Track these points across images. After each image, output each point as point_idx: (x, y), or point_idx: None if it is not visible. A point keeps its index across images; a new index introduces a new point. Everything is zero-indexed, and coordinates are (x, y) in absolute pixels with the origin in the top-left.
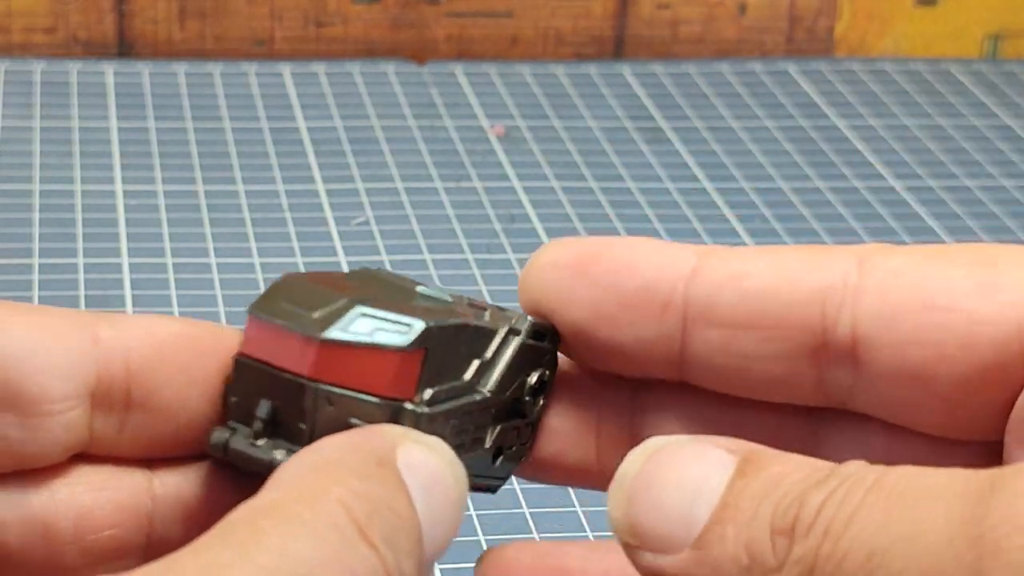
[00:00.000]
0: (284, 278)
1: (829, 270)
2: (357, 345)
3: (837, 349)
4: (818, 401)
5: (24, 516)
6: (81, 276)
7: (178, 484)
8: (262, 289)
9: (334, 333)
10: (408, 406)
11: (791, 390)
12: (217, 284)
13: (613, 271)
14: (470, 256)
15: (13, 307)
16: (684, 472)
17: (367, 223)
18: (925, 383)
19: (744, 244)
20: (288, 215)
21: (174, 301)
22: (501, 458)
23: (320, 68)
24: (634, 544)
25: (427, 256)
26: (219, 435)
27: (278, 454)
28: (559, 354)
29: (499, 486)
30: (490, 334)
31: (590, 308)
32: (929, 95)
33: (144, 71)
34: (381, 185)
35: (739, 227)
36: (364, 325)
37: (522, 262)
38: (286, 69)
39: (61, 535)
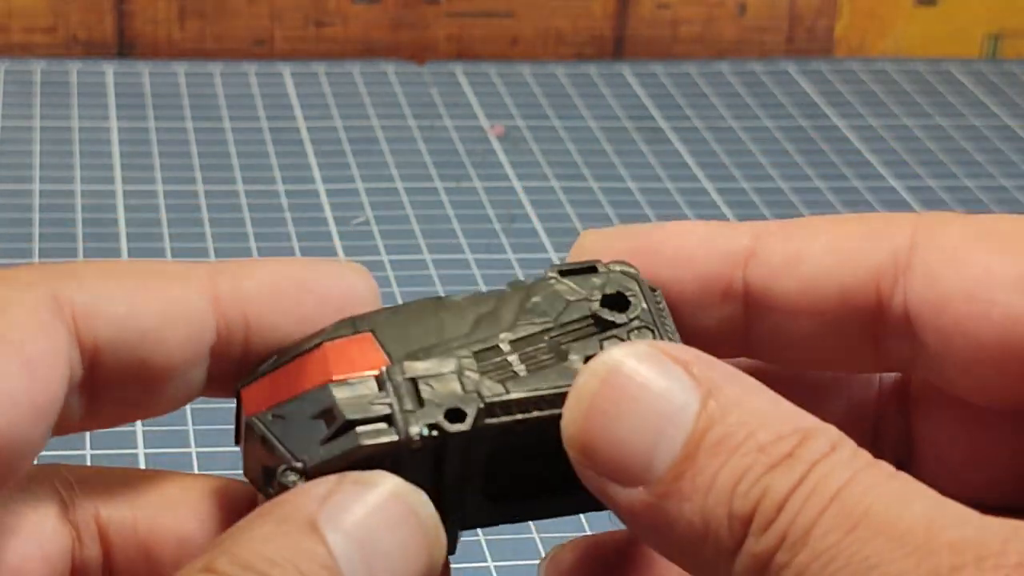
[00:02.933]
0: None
1: (883, 248)
2: (270, 371)
3: (894, 324)
4: (880, 368)
5: (130, 542)
6: None
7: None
8: None
9: (252, 375)
10: (382, 370)
11: (853, 361)
12: None
13: (670, 263)
14: (470, 256)
15: (143, 276)
16: (644, 404)
17: (367, 223)
18: (968, 367)
19: None
20: (288, 215)
21: None
22: None
23: (320, 68)
24: (585, 464)
25: (427, 256)
26: (258, 481)
27: (290, 477)
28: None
29: None
30: (487, 295)
31: None
32: (929, 95)
33: (144, 71)
34: (381, 185)
35: None
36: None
37: (522, 262)
38: (286, 69)
39: (164, 559)
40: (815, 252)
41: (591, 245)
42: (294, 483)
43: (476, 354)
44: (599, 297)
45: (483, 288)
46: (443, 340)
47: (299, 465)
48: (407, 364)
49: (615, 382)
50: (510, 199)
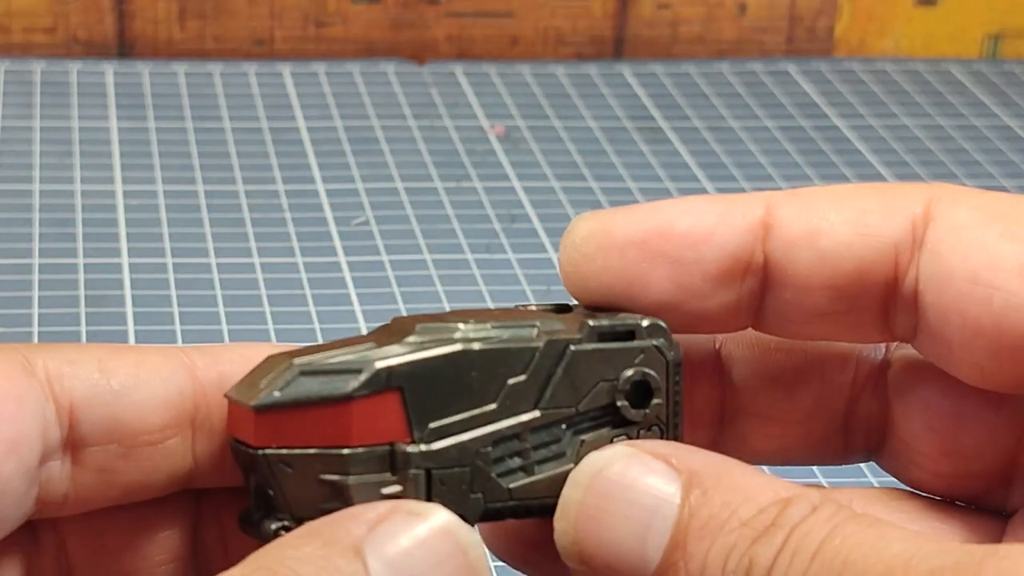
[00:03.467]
0: (267, 357)
1: (901, 222)
2: (292, 404)
3: (903, 298)
4: (885, 339)
5: (91, 555)
6: (81, 276)
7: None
8: (262, 289)
9: (267, 398)
10: (399, 447)
11: (860, 333)
12: (217, 284)
13: (691, 244)
14: (470, 256)
15: (113, 348)
16: (629, 503)
17: (367, 223)
18: (963, 348)
19: None
20: (288, 215)
21: (174, 301)
22: None
23: (320, 68)
24: (584, 571)
25: (427, 256)
26: (242, 513)
27: (272, 525)
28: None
29: None
30: (521, 353)
31: (673, 285)
32: (929, 95)
33: (144, 71)
34: (381, 185)
35: None
36: (304, 383)
37: (522, 262)
38: (286, 69)
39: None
40: (833, 224)
41: (589, 234)
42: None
43: (495, 444)
44: (626, 386)
45: (483, 288)
46: (469, 416)
47: (293, 525)
48: (424, 450)
49: (599, 487)
50: (510, 199)
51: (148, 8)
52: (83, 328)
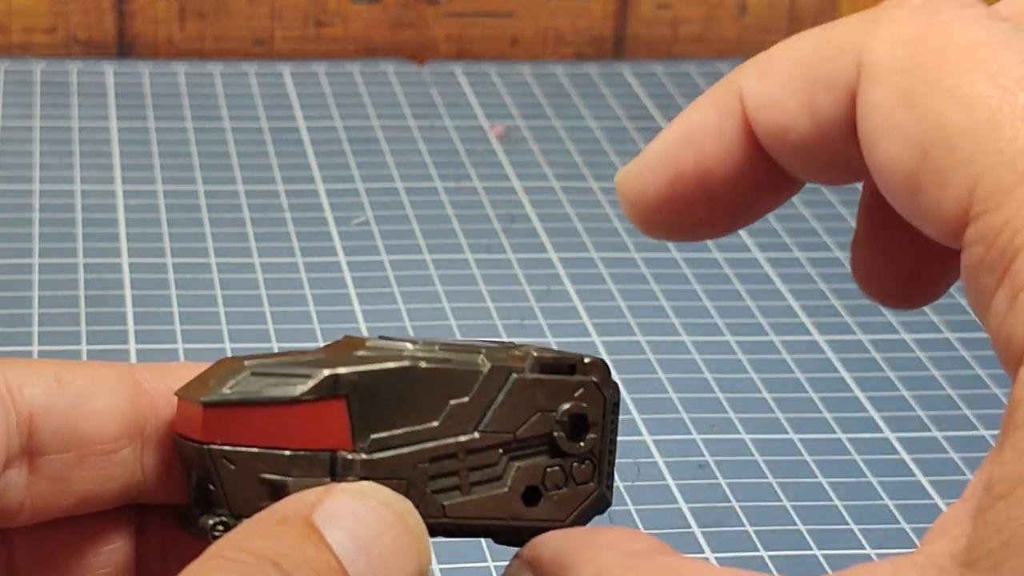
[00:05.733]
0: (219, 360)
1: (843, 99)
2: (240, 403)
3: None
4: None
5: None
6: (81, 276)
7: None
8: (262, 289)
9: (216, 394)
10: (340, 453)
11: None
12: (217, 284)
13: (706, 182)
14: (470, 256)
15: (67, 362)
16: None
17: (367, 223)
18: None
19: (744, 244)
20: (288, 215)
21: (174, 301)
22: (545, 499)
23: (320, 68)
24: None
25: (427, 256)
26: (181, 510)
27: (209, 520)
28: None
29: (570, 525)
30: (466, 375)
31: (714, 212)
32: None
33: (144, 71)
34: (381, 185)
35: None
36: (252, 384)
37: (522, 262)
38: (286, 69)
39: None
40: (795, 118)
41: (640, 179)
42: (217, 536)
43: (432, 461)
44: (564, 418)
45: (483, 288)
46: (410, 431)
47: (232, 522)
48: (365, 459)
49: None
50: (510, 199)
51: (148, 8)
52: (83, 328)
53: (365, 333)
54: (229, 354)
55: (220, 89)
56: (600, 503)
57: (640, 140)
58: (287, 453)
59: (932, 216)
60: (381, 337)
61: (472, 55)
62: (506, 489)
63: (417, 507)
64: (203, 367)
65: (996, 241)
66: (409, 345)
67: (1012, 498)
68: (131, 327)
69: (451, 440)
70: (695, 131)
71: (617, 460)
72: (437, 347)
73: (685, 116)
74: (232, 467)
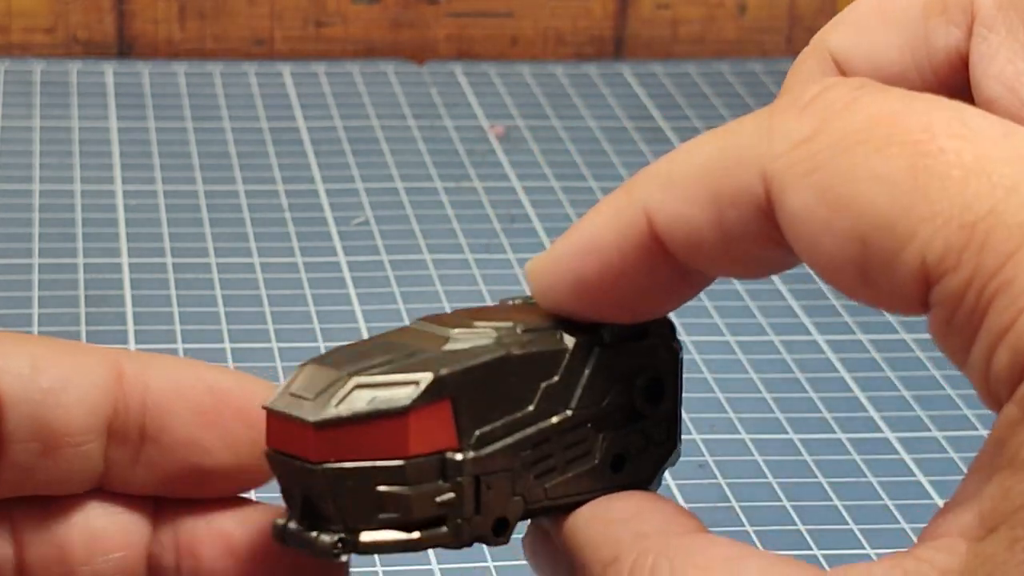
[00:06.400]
0: (300, 367)
1: (748, 211)
2: (352, 418)
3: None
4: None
5: (43, 538)
6: (81, 276)
7: (177, 517)
8: (262, 289)
9: (327, 413)
10: (449, 455)
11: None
12: (217, 284)
13: (600, 284)
14: (470, 256)
15: (47, 343)
16: None
17: (367, 223)
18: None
19: None
20: (288, 215)
21: (174, 301)
22: (630, 463)
23: (320, 68)
24: None
25: (427, 256)
26: (277, 522)
27: (325, 538)
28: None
29: (650, 487)
30: (553, 355)
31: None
32: None
33: (144, 71)
34: (381, 185)
35: None
36: (361, 396)
37: (522, 262)
38: (286, 69)
39: (75, 556)
40: (703, 232)
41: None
42: (337, 553)
43: (534, 448)
44: (643, 384)
45: (483, 288)
46: (509, 420)
47: (350, 539)
48: (473, 456)
49: None
50: (510, 199)
51: (148, 8)
52: (83, 328)
53: (365, 333)
54: (229, 353)
55: (220, 89)
56: (675, 458)
57: (640, 140)
58: (401, 463)
59: (893, 297)
60: (450, 314)
61: (472, 55)
62: (596, 461)
63: (522, 495)
64: (192, 363)
65: (962, 302)
66: (492, 331)
67: (996, 535)
68: (131, 327)
69: (547, 423)
70: (597, 243)
71: None
72: (518, 329)
73: (590, 221)
74: (347, 483)
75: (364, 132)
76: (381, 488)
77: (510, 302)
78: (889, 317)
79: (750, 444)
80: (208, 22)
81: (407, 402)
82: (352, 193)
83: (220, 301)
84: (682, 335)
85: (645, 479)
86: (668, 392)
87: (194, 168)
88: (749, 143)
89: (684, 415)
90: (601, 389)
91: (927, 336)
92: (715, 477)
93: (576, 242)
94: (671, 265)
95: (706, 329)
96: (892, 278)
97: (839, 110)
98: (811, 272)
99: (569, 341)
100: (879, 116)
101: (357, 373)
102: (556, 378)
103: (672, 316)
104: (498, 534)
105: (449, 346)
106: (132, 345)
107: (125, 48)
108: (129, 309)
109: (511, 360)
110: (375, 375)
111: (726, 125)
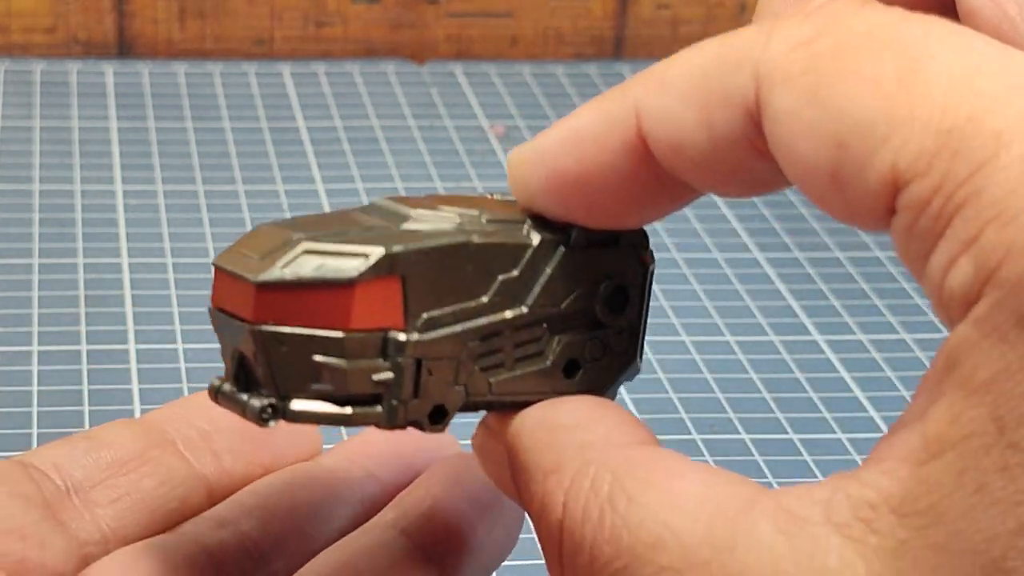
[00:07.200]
0: (256, 227)
1: (740, 115)
2: (296, 283)
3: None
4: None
5: None
6: (81, 276)
7: None
8: None
9: (271, 274)
10: (392, 334)
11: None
12: None
13: (589, 189)
14: None
15: None
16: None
17: None
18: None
19: (744, 244)
20: (288, 215)
21: (174, 301)
22: (584, 370)
23: (320, 68)
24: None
25: None
26: (214, 382)
27: (255, 402)
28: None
29: (606, 395)
30: (515, 249)
31: (593, 213)
32: None
33: (144, 71)
34: (381, 185)
35: (739, 227)
36: (308, 262)
37: None
38: (286, 69)
39: None
40: (693, 137)
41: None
42: (266, 418)
43: (482, 340)
44: (606, 291)
45: None
46: (460, 308)
47: (280, 405)
48: (417, 339)
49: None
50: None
51: (148, 8)
52: (83, 328)
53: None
54: None
55: (220, 89)
56: (632, 371)
57: None
58: (340, 335)
59: (862, 204)
60: (421, 198)
61: (472, 55)
62: (548, 364)
63: (464, 385)
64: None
65: (927, 208)
66: (455, 216)
67: (942, 461)
68: (131, 327)
69: (500, 316)
70: (580, 134)
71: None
72: (484, 218)
73: (578, 115)
74: (283, 348)
75: (364, 132)
76: (317, 358)
77: (490, 196)
78: (889, 317)
79: (750, 444)
80: (208, 22)
81: (354, 274)
82: (352, 193)
83: None
84: (682, 335)
85: (599, 388)
86: (633, 303)
87: (194, 168)
88: (747, 44)
89: (684, 415)
90: (561, 290)
91: (927, 336)
92: None
93: (559, 133)
94: (653, 170)
95: (706, 329)
96: (863, 182)
97: (840, 20)
98: (811, 272)
99: (535, 237)
100: (877, 25)
101: (309, 239)
102: (515, 272)
103: (670, 312)
104: (435, 421)
105: (408, 225)
106: (132, 345)
107: (125, 48)
108: (129, 309)
109: (469, 247)
110: (326, 243)
111: (730, 32)
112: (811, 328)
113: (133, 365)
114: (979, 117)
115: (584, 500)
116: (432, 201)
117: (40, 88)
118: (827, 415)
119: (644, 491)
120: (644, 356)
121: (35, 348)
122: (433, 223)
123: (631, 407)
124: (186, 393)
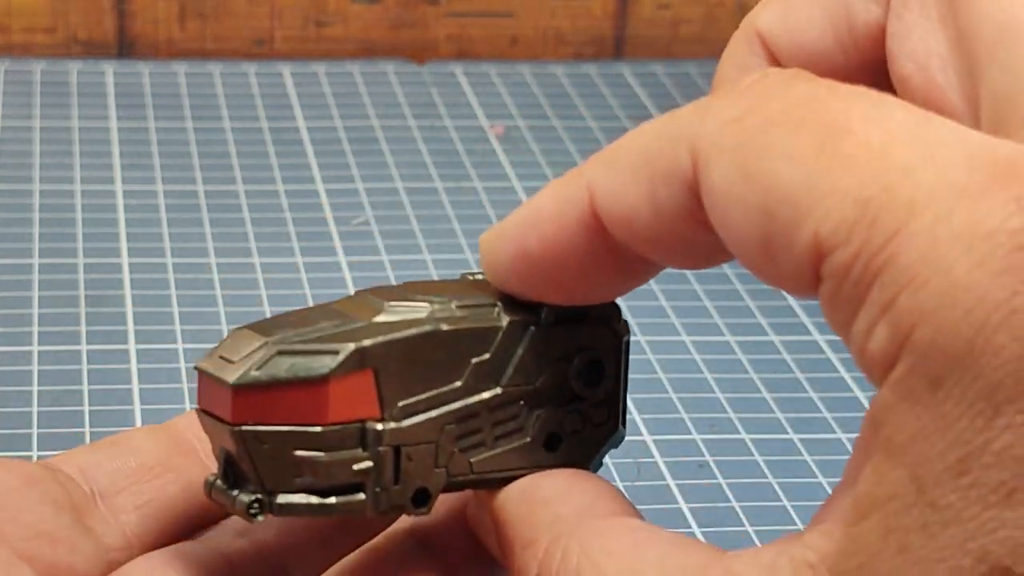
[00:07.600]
0: (233, 331)
1: (680, 190)
2: (271, 383)
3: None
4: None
5: None
6: (81, 276)
7: None
8: (262, 289)
9: (246, 377)
10: (369, 424)
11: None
12: (217, 284)
13: (550, 264)
14: (470, 256)
15: None
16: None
17: (367, 223)
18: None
19: None
20: (288, 215)
21: (174, 301)
22: (565, 443)
23: (320, 68)
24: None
25: (427, 256)
26: (208, 478)
27: (244, 498)
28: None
29: (591, 465)
30: (485, 332)
31: (562, 293)
32: None
33: (144, 71)
34: (381, 185)
35: None
36: (281, 363)
37: None
38: (286, 69)
39: None
40: (637, 210)
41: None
42: (254, 513)
43: (459, 422)
44: (579, 366)
45: None
46: (435, 393)
47: (267, 500)
48: (394, 427)
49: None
50: (510, 199)
51: (148, 8)
52: (83, 328)
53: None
54: None
55: (220, 89)
56: (617, 439)
57: None
58: (318, 429)
59: (791, 273)
60: (390, 292)
61: (472, 55)
62: (529, 439)
63: (445, 467)
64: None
65: (848, 275)
66: (426, 304)
67: (869, 522)
68: (131, 327)
69: (475, 399)
70: (541, 215)
71: (617, 461)
72: (454, 304)
73: (539, 196)
74: (264, 446)
75: (364, 132)
76: (298, 452)
77: (470, 277)
78: None
79: (750, 444)
80: (208, 22)
81: (325, 371)
82: (352, 193)
83: (220, 301)
84: (682, 335)
85: (583, 459)
86: (609, 375)
87: (194, 168)
88: (686, 122)
89: (684, 415)
90: (535, 369)
91: None
92: (715, 477)
93: (522, 215)
94: (610, 246)
95: (706, 329)
96: (790, 251)
97: (772, 94)
98: None
99: (504, 319)
100: (801, 100)
101: (282, 341)
102: (487, 355)
103: (671, 315)
104: (418, 504)
105: (380, 317)
106: (132, 344)
107: (125, 48)
108: (129, 309)
109: (439, 335)
110: (297, 344)
111: (672, 110)
112: (811, 328)
113: (133, 365)
114: (894, 186)
115: (555, 572)
116: (406, 290)
117: (40, 88)
118: (827, 415)
119: (608, 561)
120: (644, 356)
121: (35, 348)
122: (404, 313)
123: (632, 407)
124: (186, 393)
